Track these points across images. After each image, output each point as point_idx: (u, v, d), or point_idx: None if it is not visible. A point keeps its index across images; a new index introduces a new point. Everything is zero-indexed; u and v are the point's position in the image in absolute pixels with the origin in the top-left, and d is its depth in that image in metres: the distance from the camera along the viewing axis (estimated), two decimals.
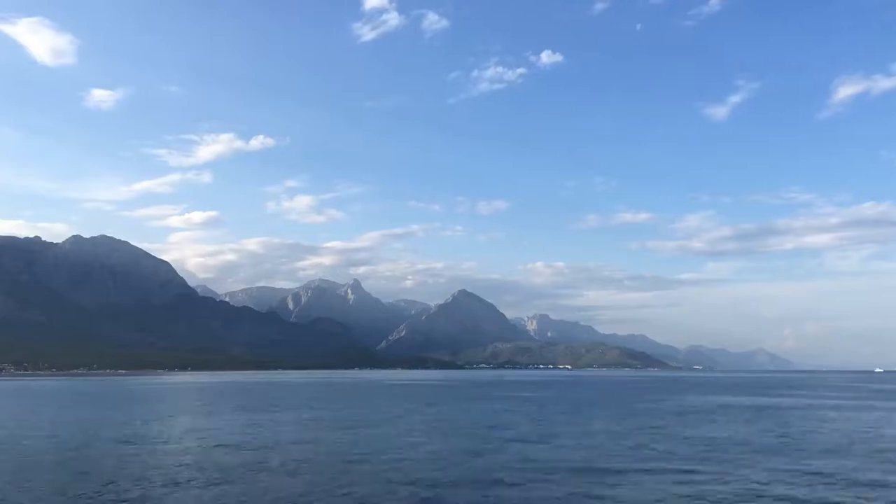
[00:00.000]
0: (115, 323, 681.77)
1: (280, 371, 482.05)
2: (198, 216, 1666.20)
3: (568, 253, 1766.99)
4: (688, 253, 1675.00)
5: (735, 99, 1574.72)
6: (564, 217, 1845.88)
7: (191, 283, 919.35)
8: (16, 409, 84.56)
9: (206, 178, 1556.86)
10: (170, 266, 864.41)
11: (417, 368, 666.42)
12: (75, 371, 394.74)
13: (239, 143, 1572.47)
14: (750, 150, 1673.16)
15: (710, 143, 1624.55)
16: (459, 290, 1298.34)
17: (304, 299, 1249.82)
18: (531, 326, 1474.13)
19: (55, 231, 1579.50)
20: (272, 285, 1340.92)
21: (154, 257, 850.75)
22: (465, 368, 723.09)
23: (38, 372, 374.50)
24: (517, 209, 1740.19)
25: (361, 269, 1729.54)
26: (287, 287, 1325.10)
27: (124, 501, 27.15)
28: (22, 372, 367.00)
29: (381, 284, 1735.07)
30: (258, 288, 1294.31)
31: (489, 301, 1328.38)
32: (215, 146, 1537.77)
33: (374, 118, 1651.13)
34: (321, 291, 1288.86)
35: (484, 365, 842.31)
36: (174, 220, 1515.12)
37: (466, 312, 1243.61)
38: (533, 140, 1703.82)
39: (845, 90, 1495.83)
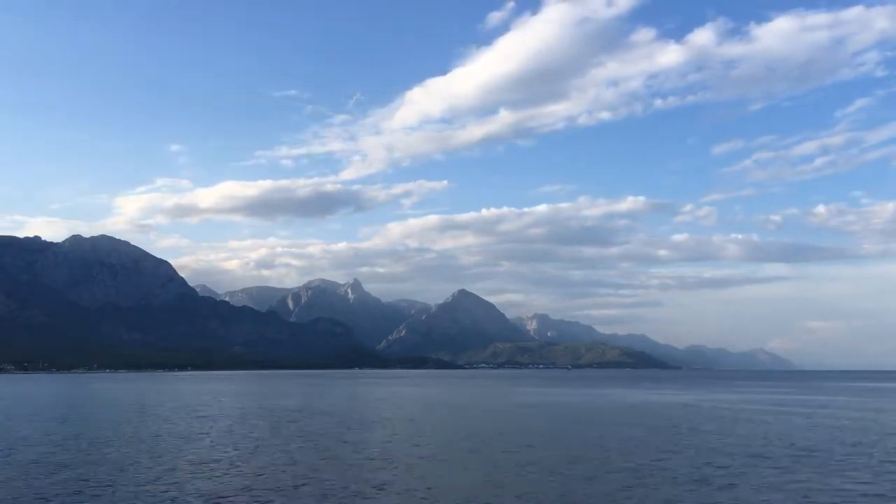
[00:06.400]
0: (115, 323, 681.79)
1: (282, 370, 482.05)
2: None
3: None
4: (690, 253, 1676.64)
5: None
6: None
7: (191, 282, 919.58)
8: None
9: None
10: (170, 266, 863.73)
11: (417, 368, 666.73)
12: (75, 371, 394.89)
13: None
14: None
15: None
16: (459, 290, 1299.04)
17: (304, 299, 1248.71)
18: (531, 326, 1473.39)
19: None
20: (272, 285, 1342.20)
21: (154, 257, 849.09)
22: (465, 368, 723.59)
23: (38, 372, 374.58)
24: None
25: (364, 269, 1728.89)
26: (287, 287, 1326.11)
27: None
28: (22, 372, 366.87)
29: (381, 284, 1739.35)
30: (258, 288, 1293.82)
31: (489, 300, 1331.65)
32: None
33: None
34: (321, 291, 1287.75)
35: (484, 365, 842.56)
36: None
37: (466, 312, 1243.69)
38: None
39: None
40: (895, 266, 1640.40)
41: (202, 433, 50.88)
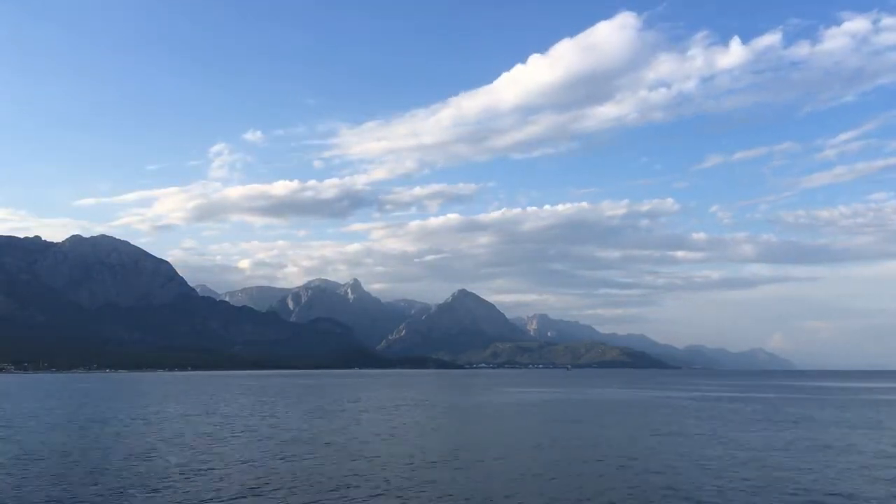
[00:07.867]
0: (115, 323, 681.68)
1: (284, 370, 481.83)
2: None
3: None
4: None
5: None
6: None
7: (191, 282, 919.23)
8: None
9: None
10: (170, 266, 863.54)
11: (417, 368, 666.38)
12: (75, 370, 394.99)
13: None
14: None
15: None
16: (460, 290, 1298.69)
17: (304, 299, 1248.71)
18: (531, 326, 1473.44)
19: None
20: (272, 285, 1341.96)
21: (154, 257, 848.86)
22: (464, 368, 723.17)
23: (38, 372, 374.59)
24: None
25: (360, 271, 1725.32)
26: (287, 287, 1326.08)
27: None
28: (22, 372, 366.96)
29: (388, 284, 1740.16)
30: (258, 288, 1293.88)
31: (489, 301, 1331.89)
32: None
33: None
34: (321, 291, 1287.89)
35: (483, 365, 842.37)
36: None
37: (466, 312, 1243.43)
38: None
39: None
40: (895, 266, 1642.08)
41: None
